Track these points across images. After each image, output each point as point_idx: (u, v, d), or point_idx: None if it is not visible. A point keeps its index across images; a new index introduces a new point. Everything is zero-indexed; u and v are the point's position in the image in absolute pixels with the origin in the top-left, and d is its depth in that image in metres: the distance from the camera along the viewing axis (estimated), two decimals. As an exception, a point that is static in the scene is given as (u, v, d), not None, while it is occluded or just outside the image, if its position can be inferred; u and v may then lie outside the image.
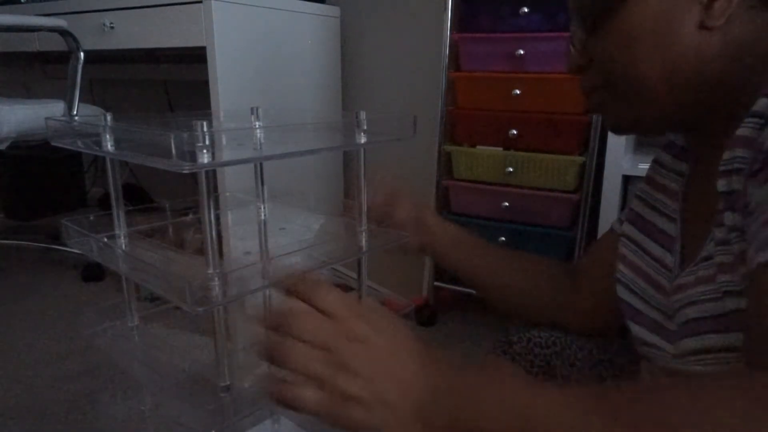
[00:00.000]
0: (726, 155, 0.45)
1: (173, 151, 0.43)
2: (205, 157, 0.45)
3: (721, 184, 0.46)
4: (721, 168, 0.46)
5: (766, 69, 0.46)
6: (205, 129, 0.44)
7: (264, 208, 0.86)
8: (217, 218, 0.54)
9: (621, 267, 0.66)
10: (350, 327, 0.43)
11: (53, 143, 0.67)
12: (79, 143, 0.64)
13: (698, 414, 0.33)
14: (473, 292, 0.86)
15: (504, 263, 0.79)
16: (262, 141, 0.62)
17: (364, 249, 0.71)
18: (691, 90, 0.51)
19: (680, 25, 0.49)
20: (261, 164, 0.85)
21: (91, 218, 0.73)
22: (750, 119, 0.44)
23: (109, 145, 0.59)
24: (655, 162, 0.68)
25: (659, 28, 0.51)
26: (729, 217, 0.45)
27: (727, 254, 0.45)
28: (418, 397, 0.40)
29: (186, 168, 0.44)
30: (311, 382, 0.41)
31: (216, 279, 0.52)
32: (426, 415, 0.40)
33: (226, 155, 0.54)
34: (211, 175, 0.51)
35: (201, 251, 0.53)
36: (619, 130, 0.61)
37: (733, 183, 0.45)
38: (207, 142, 0.44)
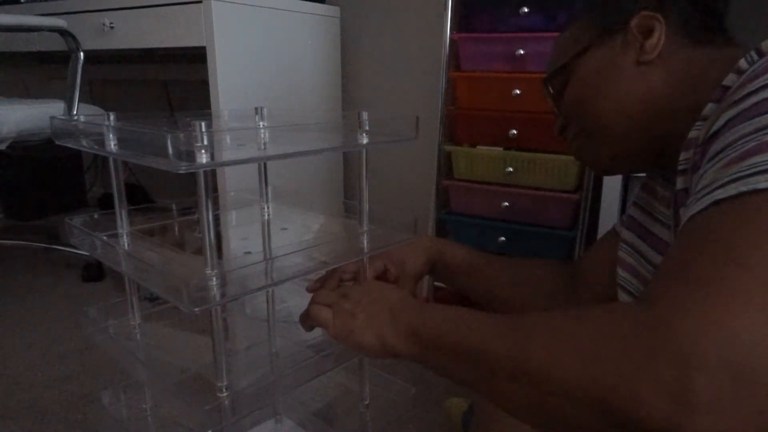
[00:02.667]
0: (681, 156, 0.50)
1: (170, 150, 0.43)
2: (203, 157, 0.45)
3: (679, 183, 0.51)
4: (678, 168, 0.51)
5: (713, 86, 0.49)
6: (203, 129, 0.44)
7: (268, 208, 0.86)
8: (217, 218, 0.54)
9: (620, 271, 0.66)
10: (354, 285, 0.70)
11: (58, 142, 0.67)
12: (84, 143, 0.65)
13: (557, 330, 0.41)
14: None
15: (503, 280, 0.81)
16: (266, 141, 0.62)
17: (366, 250, 0.71)
18: (647, 117, 0.59)
19: (621, 66, 0.59)
20: (265, 164, 0.84)
21: (96, 216, 0.74)
22: (698, 123, 0.49)
23: (113, 145, 0.59)
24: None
25: (604, 74, 0.61)
26: (683, 212, 0.49)
27: None
28: (392, 311, 0.58)
29: (183, 168, 0.44)
30: (326, 308, 0.62)
31: (214, 279, 0.52)
32: (395, 321, 0.56)
33: (226, 155, 0.54)
34: (210, 175, 0.51)
35: (201, 251, 0.53)
36: (600, 170, 0.69)
37: (687, 180, 0.49)
38: (205, 142, 0.44)
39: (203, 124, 0.44)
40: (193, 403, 0.58)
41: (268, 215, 0.87)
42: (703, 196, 0.40)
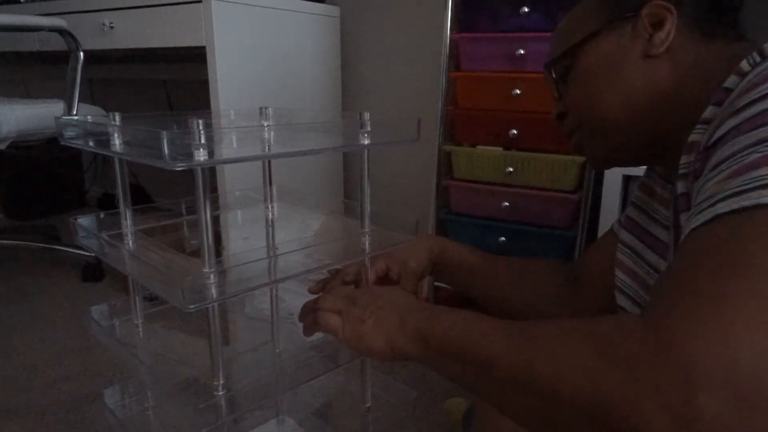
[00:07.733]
0: (682, 160, 0.49)
1: (165, 148, 0.43)
2: (200, 155, 0.44)
3: (680, 187, 0.49)
4: (679, 172, 0.49)
5: (717, 85, 0.48)
6: (200, 127, 0.44)
7: (272, 207, 0.86)
8: (217, 218, 0.54)
9: (618, 274, 0.66)
10: (361, 290, 0.69)
11: (63, 142, 0.67)
12: (91, 143, 0.64)
13: (549, 337, 0.41)
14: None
15: (505, 280, 0.81)
16: (269, 140, 0.61)
17: (367, 251, 0.71)
18: (651, 113, 0.57)
19: (627, 58, 0.57)
20: (269, 163, 0.84)
21: (102, 216, 0.74)
22: (699, 126, 0.48)
23: (118, 145, 0.59)
24: (649, 169, 0.69)
25: (609, 65, 0.58)
26: (683, 218, 0.48)
27: None
28: (400, 314, 0.57)
29: (178, 165, 0.44)
30: (335, 314, 0.62)
31: (211, 277, 0.52)
32: (404, 325, 0.56)
33: (228, 154, 0.54)
34: (208, 173, 0.51)
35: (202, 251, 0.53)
36: (598, 165, 0.67)
37: (687, 185, 0.48)
38: (202, 140, 0.44)
39: (200, 122, 0.44)
40: (193, 403, 0.58)
41: (273, 215, 0.87)
42: (705, 209, 0.39)
